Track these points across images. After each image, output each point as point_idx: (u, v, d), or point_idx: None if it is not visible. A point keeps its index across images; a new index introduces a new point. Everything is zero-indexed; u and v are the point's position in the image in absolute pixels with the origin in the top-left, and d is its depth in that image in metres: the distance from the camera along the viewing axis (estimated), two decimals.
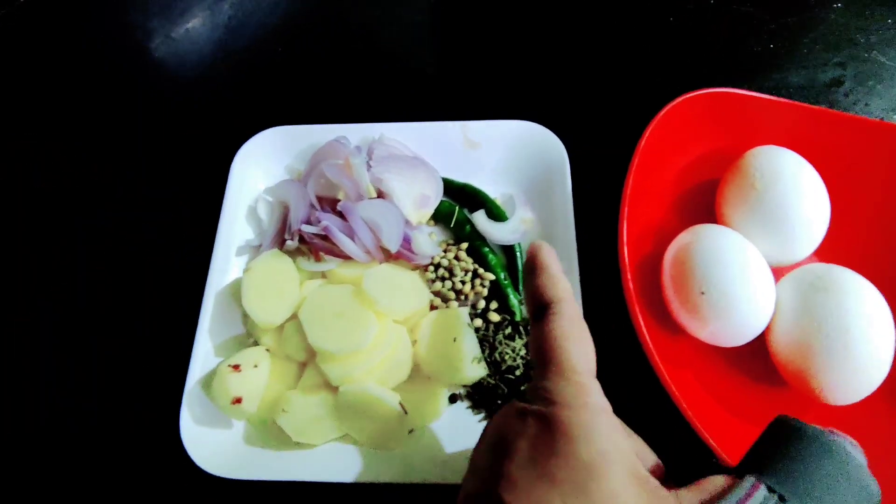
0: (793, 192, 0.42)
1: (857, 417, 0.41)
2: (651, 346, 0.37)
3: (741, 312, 0.39)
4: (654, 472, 0.28)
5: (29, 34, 0.68)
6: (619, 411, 0.42)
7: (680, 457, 0.41)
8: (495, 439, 0.27)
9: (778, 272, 0.43)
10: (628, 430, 0.29)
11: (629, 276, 0.40)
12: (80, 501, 0.44)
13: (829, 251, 0.45)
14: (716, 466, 0.33)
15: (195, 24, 0.67)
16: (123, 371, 0.48)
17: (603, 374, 0.41)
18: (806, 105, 0.49)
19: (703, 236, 0.42)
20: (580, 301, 0.43)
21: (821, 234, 0.43)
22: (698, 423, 0.35)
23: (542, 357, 0.28)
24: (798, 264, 0.44)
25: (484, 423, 0.43)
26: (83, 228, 0.55)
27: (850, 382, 0.38)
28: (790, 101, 0.49)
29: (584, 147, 0.51)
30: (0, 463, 0.45)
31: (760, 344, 0.42)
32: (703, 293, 0.40)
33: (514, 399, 0.28)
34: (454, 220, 0.50)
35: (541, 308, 0.29)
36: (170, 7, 0.69)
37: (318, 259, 0.47)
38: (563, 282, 0.30)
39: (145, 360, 0.48)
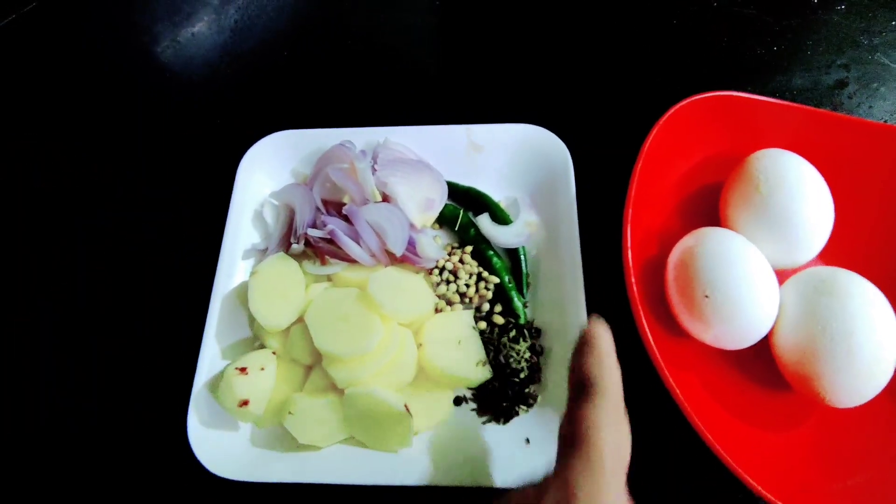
0: (797, 196, 0.42)
1: (860, 420, 0.41)
2: (655, 349, 0.38)
3: (745, 316, 0.40)
4: None
5: (37, 39, 0.68)
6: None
7: (683, 460, 0.42)
8: None
9: (781, 275, 0.43)
10: None
11: (633, 280, 0.40)
12: (88, 503, 0.44)
13: (832, 254, 0.45)
14: None
15: (201, 28, 0.68)
16: (131, 373, 0.48)
17: None
18: (809, 108, 0.49)
19: (707, 239, 0.42)
20: (584, 305, 0.43)
21: (825, 238, 0.44)
22: (702, 426, 0.36)
23: (573, 439, 0.27)
24: (802, 267, 0.44)
25: (488, 426, 0.43)
26: (89, 231, 0.55)
27: (855, 386, 0.38)
28: (794, 104, 0.49)
29: (587, 150, 0.51)
30: (8, 465, 0.46)
31: (764, 347, 0.42)
32: (706, 296, 0.40)
33: (534, 488, 0.27)
34: (458, 223, 0.51)
35: (582, 386, 0.28)
36: (176, 10, 0.69)
37: (323, 262, 0.48)
38: (613, 368, 0.29)
39: (153, 362, 0.48)
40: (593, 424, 0.26)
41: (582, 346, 0.30)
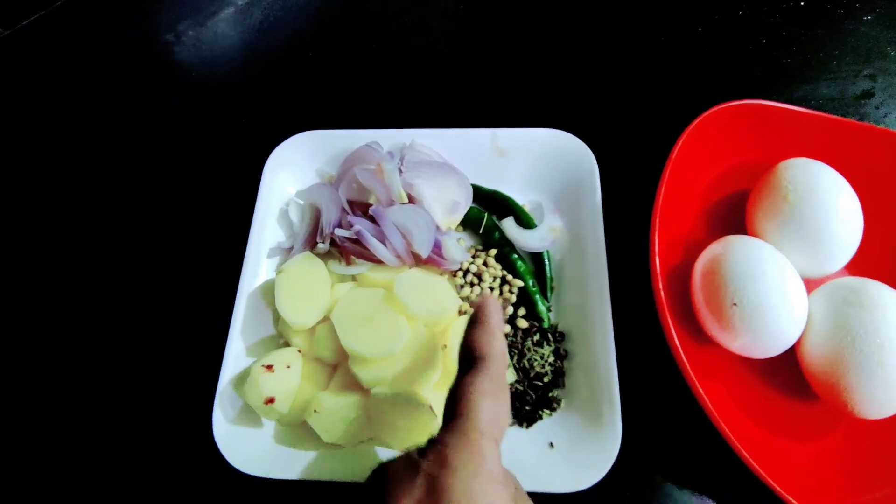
0: (827, 206, 0.42)
1: (889, 432, 0.41)
2: (684, 357, 0.38)
3: (773, 324, 0.39)
4: None
5: (64, 38, 0.69)
6: (648, 419, 0.43)
7: (710, 468, 0.42)
8: (384, 487, 0.26)
9: (809, 285, 0.43)
10: (523, 497, 0.29)
11: (661, 286, 0.40)
12: (114, 498, 0.45)
13: (860, 265, 0.45)
14: None
15: (226, 28, 0.68)
16: (158, 370, 0.49)
17: (632, 383, 0.42)
18: (837, 117, 0.49)
19: (736, 247, 0.42)
20: (609, 310, 0.43)
21: (853, 248, 0.43)
22: (731, 434, 0.36)
23: (453, 408, 0.28)
24: (829, 277, 0.44)
25: (511, 429, 0.43)
26: (114, 228, 0.56)
27: (883, 397, 0.38)
28: (822, 114, 0.49)
29: (613, 156, 0.51)
30: (36, 460, 0.46)
31: (790, 356, 0.42)
32: (735, 304, 0.40)
33: (411, 452, 0.28)
34: (483, 226, 0.51)
35: (469, 361, 0.30)
36: (200, 10, 0.70)
37: (348, 262, 0.48)
38: (498, 340, 0.31)
39: (179, 359, 0.48)
40: (473, 395, 0.28)
41: (472, 321, 0.31)
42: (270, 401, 0.41)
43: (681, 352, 0.38)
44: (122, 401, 0.48)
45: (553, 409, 0.44)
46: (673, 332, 0.38)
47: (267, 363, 0.42)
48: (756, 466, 0.35)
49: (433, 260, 0.47)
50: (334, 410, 0.41)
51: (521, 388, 0.44)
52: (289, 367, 0.42)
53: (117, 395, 0.48)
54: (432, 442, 0.27)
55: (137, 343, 0.50)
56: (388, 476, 0.27)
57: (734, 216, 0.49)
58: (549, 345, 0.46)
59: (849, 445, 0.41)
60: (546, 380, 0.44)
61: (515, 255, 0.49)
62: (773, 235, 0.44)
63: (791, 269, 0.41)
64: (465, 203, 0.50)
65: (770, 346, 0.40)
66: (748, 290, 0.39)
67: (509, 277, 0.48)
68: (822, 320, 0.40)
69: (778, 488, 0.35)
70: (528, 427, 0.43)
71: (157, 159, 0.60)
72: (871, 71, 0.59)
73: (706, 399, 0.36)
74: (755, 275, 0.40)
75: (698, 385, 0.37)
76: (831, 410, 0.41)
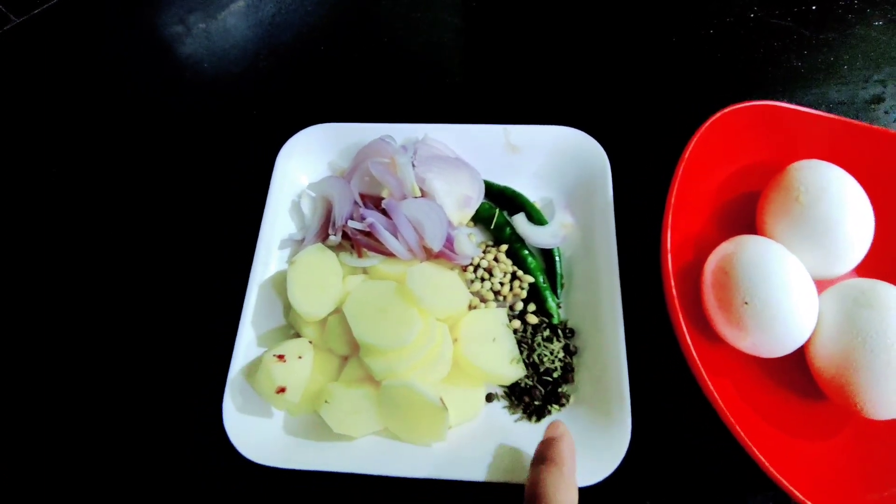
0: (838, 207, 0.42)
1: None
2: (695, 355, 0.38)
3: (784, 324, 0.40)
4: None
5: (75, 28, 0.69)
6: (658, 416, 0.43)
7: (718, 465, 0.42)
8: None
9: (819, 285, 0.43)
10: None
11: (672, 285, 0.40)
12: (126, 486, 0.45)
13: (870, 267, 0.45)
14: None
15: (238, 21, 0.68)
16: (170, 359, 0.49)
17: (642, 380, 0.42)
18: (849, 120, 0.49)
19: (747, 247, 0.42)
20: (620, 307, 0.43)
21: (864, 250, 0.44)
22: (741, 431, 0.36)
23: (532, 496, 0.34)
24: (839, 279, 0.44)
25: (520, 423, 0.44)
26: (129, 219, 0.56)
27: (892, 398, 0.38)
28: (834, 116, 0.49)
29: (625, 155, 0.51)
30: (49, 451, 0.46)
31: (799, 356, 0.42)
32: (746, 303, 0.40)
33: None
34: (494, 222, 0.51)
35: (543, 458, 0.36)
36: (212, 2, 0.70)
37: (360, 255, 0.48)
38: (570, 450, 0.37)
39: (191, 349, 0.49)
40: (551, 484, 0.34)
41: (547, 436, 0.38)
42: (281, 390, 0.41)
43: (692, 349, 0.38)
44: (134, 391, 0.48)
45: (562, 405, 0.44)
46: (685, 329, 0.39)
47: (278, 353, 0.42)
48: (766, 463, 0.35)
49: (445, 254, 0.47)
50: (345, 401, 0.42)
51: (530, 382, 0.44)
52: (300, 357, 0.43)
53: (129, 385, 0.48)
54: None
55: (149, 333, 0.50)
56: None
57: (745, 216, 0.49)
58: (558, 341, 0.46)
59: (857, 445, 0.41)
60: (556, 375, 0.45)
61: (526, 252, 0.49)
62: (784, 236, 0.44)
63: (802, 269, 0.41)
64: (476, 198, 0.50)
65: (780, 345, 0.41)
66: (759, 289, 0.40)
67: (520, 273, 0.48)
68: (831, 321, 0.41)
69: (787, 485, 0.35)
70: (536, 422, 0.44)
71: (169, 151, 0.60)
72: (882, 76, 0.59)
73: (717, 396, 0.37)
74: (766, 274, 0.40)
75: (709, 382, 0.37)
76: (840, 411, 0.42)
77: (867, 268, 0.46)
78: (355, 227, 0.47)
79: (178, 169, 0.58)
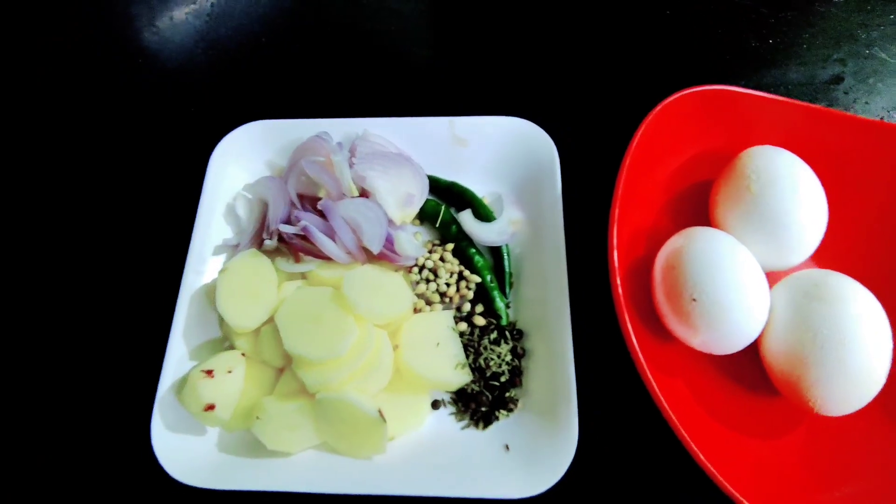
0: (790, 195, 0.41)
1: (850, 429, 0.40)
2: (640, 353, 0.36)
3: (734, 320, 0.38)
4: None
5: (7, 19, 0.65)
6: (606, 419, 0.41)
7: (667, 468, 0.40)
8: None
9: (773, 277, 0.41)
10: None
11: (618, 281, 0.38)
12: None
13: (826, 256, 0.44)
14: None
15: (176, 13, 0.65)
16: (93, 375, 0.46)
17: (592, 382, 0.40)
18: (803, 103, 0.47)
19: (696, 240, 0.40)
20: (567, 306, 0.42)
21: (818, 239, 0.42)
22: (686, 435, 0.34)
23: None
24: (794, 269, 0.43)
25: (467, 431, 0.42)
26: (51, 224, 0.53)
27: (845, 394, 0.37)
28: (787, 100, 0.47)
29: (575, 145, 0.49)
30: None
31: (753, 350, 0.41)
32: (694, 300, 0.38)
33: None
34: (440, 219, 0.49)
35: None
36: None
37: (297, 260, 0.46)
38: None
39: (116, 363, 0.46)
40: None
41: None
42: (210, 407, 0.39)
43: (636, 347, 0.36)
44: (54, 408, 0.45)
45: (510, 410, 0.42)
46: (629, 327, 0.37)
47: (206, 368, 0.40)
48: (710, 467, 0.33)
49: (385, 256, 0.45)
50: (279, 416, 0.39)
51: (476, 387, 0.42)
52: (230, 371, 0.40)
53: (48, 401, 0.45)
54: None
55: (71, 344, 0.47)
56: None
57: (698, 207, 0.47)
58: (506, 343, 0.44)
59: (810, 443, 0.40)
60: (503, 379, 0.43)
61: (473, 250, 0.47)
62: (736, 227, 0.43)
63: (753, 262, 0.40)
64: (420, 195, 0.48)
65: (730, 342, 0.39)
66: (707, 285, 0.38)
67: (467, 273, 0.46)
68: (783, 315, 0.39)
69: (731, 489, 0.33)
70: (483, 428, 0.42)
71: (98, 148, 0.56)
72: (841, 55, 0.57)
73: (661, 397, 0.35)
74: (715, 269, 0.38)
75: (654, 382, 0.35)
76: (793, 408, 0.40)
77: (824, 257, 0.44)
78: (288, 230, 0.44)
79: (105, 169, 0.55)
